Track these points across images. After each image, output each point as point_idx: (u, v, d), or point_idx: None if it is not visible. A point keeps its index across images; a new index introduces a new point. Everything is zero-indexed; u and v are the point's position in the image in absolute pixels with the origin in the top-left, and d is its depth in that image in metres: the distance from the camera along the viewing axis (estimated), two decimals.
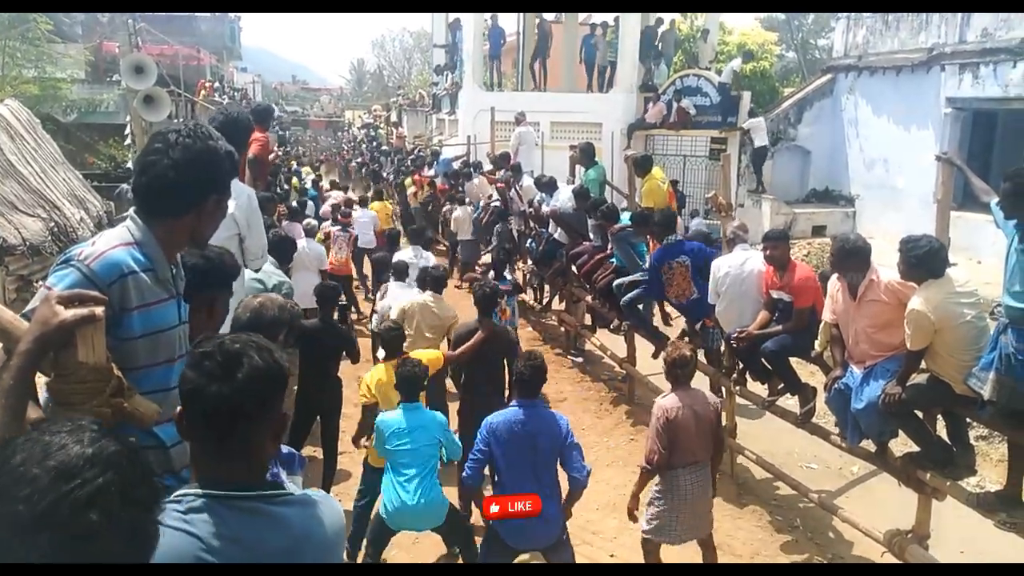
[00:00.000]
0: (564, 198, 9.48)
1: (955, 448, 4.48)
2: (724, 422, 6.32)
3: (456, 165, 14.57)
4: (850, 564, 4.37)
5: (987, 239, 9.23)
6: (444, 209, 13.75)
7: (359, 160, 23.61)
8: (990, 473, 5.78)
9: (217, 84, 29.36)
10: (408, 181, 16.04)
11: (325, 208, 12.88)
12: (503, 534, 3.97)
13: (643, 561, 4.59)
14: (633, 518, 4.51)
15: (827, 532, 5.51)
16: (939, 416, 4.65)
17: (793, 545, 5.30)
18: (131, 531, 1.08)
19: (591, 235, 8.72)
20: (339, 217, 10.77)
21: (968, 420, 4.63)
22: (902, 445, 4.84)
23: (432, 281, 6.57)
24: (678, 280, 6.51)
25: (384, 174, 20.03)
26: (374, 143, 27.13)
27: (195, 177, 2.02)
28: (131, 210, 2.10)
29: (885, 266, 4.63)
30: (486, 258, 11.20)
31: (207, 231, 2.15)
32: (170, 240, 2.06)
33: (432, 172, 15.40)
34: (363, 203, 12.37)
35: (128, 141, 14.35)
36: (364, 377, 5.19)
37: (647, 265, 7.30)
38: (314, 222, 9.59)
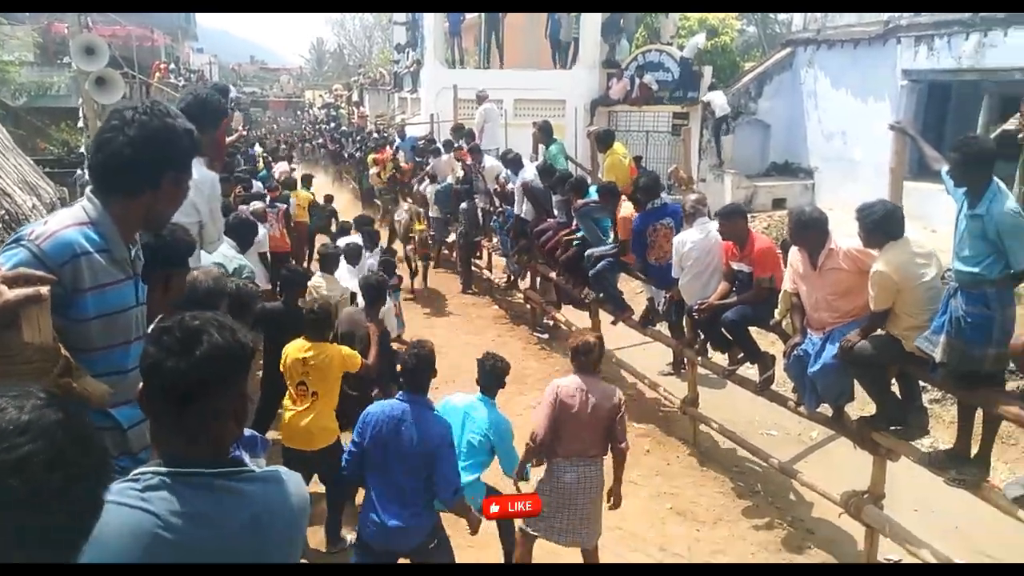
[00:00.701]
0: (530, 175, 9.51)
1: (908, 410, 4.63)
2: (687, 393, 6.51)
3: (420, 145, 14.47)
4: (850, 564, 4.44)
5: (940, 208, 9.43)
6: (416, 188, 13.68)
7: (319, 141, 23.31)
8: (943, 434, 5.96)
9: (172, 65, 28.71)
10: (371, 159, 15.88)
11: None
12: (363, 533, 3.80)
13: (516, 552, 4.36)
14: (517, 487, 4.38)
15: (787, 495, 5.67)
16: (893, 380, 4.78)
17: (754, 509, 5.44)
18: (59, 503, 1.06)
19: (555, 211, 8.76)
20: (267, 191, 10.50)
21: (922, 384, 4.78)
22: (858, 410, 4.99)
23: (323, 261, 6.79)
24: (661, 242, 6.59)
25: (345, 154, 19.81)
26: (333, 123, 26.80)
27: (152, 155, 1.99)
28: (87, 189, 2.07)
29: (844, 236, 4.73)
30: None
31: (166, 211, 2.12)
32: (126, 219, 2.03)
33: (395, 149, 15.25)
34: (289, 186, 12.15)
35: (81, 124, 13.98)
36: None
37: (611, 238, 7.37)
38: (258, 204, 9.24)
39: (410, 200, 12.91)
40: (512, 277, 10.75)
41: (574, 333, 4.50)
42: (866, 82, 13.52)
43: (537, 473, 4.35)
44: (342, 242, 8.21)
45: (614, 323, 7.75)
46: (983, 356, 3.91)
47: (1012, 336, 3.87)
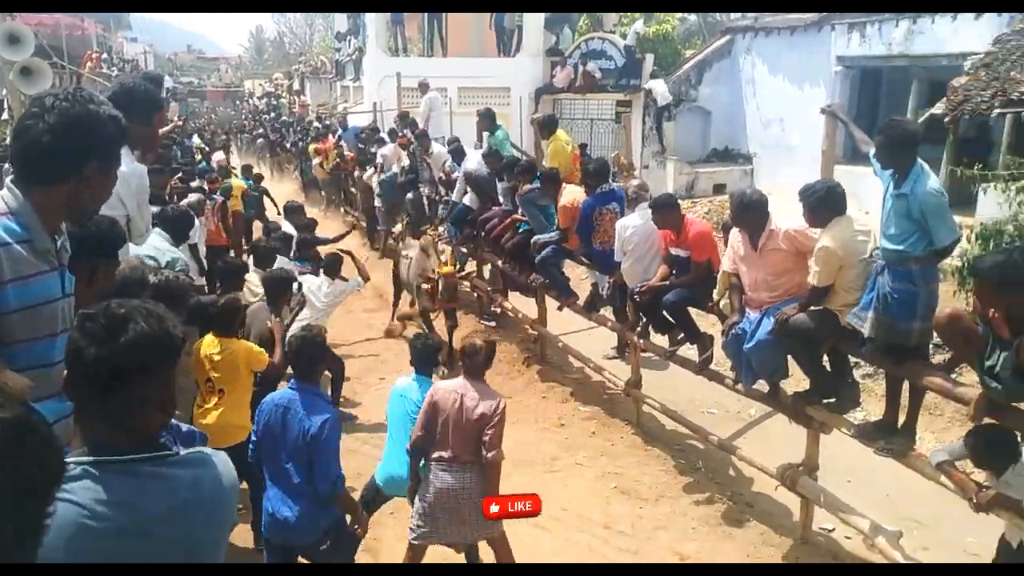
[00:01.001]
0: (473, 164, 9.51)
1: (840, 384, 4.80)
2: (630, 375, 6.62)
3: (363, 135, 14.33)
4: (851, 564, 4.47)
5: (872, 189, 9.74)
6: (360, 177, 13.56)
7: (259, 131, 22.94)
8: (875, 408, 6.15)
9: (105, 55, 27.82)
10: (312, 149, 15.65)
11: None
12: (264, 525, 3.75)
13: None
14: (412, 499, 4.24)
15: (727, 471, 5.82)
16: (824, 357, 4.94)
17: (695, 485, 5.57)
18: None
19: (501, 199, 8.78)
20: (207, 184, 10.21)
21: (856, 360, 4.95)
22: (793, 387, 5.15)
23: (256, 256, 6.67)
24: (607, 226, 6.66)
25: (287, 144, 19.51)
26: (273, 113, 26.39)
27: (72, 142, 1.94)
28: (8, 179, 2.02)
29: (783, 219, 4.86)
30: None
31: (93, 200, 2.07)
32: (48, 208, 1.98)
33: (337, 139, 15.07)
34: (224, 174, 11.81)
35: (6, 116, 13.43)
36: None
37: (556, 225, 7.43)
38: (195, 196, 8.91)
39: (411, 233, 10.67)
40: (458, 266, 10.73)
41: (466, 336, 4.31)
42: (802, 68, 13.86)
43: None
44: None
45: (560, 309, 7.83)
46: (909, 330, 4.07)
47: (936, 311, 4.04)
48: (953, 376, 4.15)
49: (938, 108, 10.70)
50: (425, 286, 7.70)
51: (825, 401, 4.75)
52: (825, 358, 4.82)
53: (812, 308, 4.48)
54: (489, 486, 3.98)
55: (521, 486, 5.55)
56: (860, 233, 4.34)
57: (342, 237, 8.09)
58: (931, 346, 4.64)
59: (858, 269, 4.31)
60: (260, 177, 12.97)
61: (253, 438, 3.75)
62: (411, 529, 4.11)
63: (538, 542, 4.90)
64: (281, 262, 6.85)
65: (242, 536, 4.62)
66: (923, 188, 3.93)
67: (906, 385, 4.40)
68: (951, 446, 4.18)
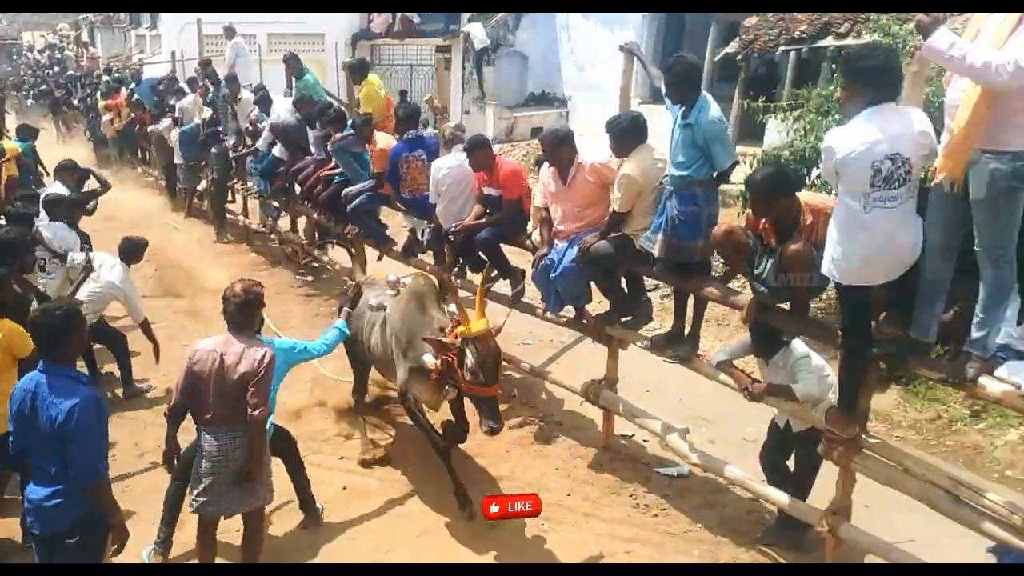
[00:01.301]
0: (284, 111, 9.12)
1: (636, 304, 5.13)
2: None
3: (161, 87, 13.29)
4: (851, 564, 4.37)
5: (669, 125, 10.32)
6: (150, 129, 12.59)
7: (42, 88, 20.76)
8: (670, 323, 6.63)
9: None
10: (102, 106, 14.31)
11: None
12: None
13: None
14: (169, 466, 4.07)
15: (540, 395, 6.11)
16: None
17: (510, 412, 5.74)
18: None
19: (313, 148, 8.48)
20: None
21: (655, 283, 5.27)
22: (596, 310, 5.42)
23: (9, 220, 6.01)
24: (414, 174, 6.63)
25: (75, 101, 17.76)
26: (57, 67, 23.99)
27: None
28: None
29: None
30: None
31: None
32: None
33: (130, 93, 13.88)
34: None
35: None
36: None
37: (371, 172, 7.30)
38: None
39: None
40: (266, 222, 10.31)
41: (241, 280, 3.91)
42: (612, 13, 14.25)
43: None
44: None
45: (380, 259, 7.72)
46: (693, 248, 4.39)
47: None
48: (731, 286, 4.55)
49: (731, 47, 11.42)
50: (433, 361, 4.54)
51: (623, 320, 5.08)
52: (623, 281, 5.13)
53: (611, 235, 4.74)
54: (254, 447, 3.75)
55: (331, 433, 5.54)
56: (659, 161, 4.63)
57: (96, 194, 7.68)
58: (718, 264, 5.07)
59: (654, 195, 4.60)
60: (35, 134, 11.47)
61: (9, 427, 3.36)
62: (189, 495, 3.90)
63: (357, 485, 4.94)
64: (54, 227, 6.26)
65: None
66: (706, 117, 4.23)
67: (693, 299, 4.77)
68: (729, 347, 4.65)
